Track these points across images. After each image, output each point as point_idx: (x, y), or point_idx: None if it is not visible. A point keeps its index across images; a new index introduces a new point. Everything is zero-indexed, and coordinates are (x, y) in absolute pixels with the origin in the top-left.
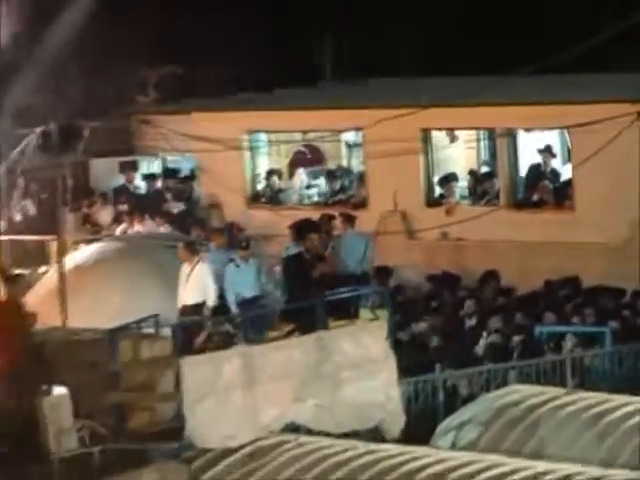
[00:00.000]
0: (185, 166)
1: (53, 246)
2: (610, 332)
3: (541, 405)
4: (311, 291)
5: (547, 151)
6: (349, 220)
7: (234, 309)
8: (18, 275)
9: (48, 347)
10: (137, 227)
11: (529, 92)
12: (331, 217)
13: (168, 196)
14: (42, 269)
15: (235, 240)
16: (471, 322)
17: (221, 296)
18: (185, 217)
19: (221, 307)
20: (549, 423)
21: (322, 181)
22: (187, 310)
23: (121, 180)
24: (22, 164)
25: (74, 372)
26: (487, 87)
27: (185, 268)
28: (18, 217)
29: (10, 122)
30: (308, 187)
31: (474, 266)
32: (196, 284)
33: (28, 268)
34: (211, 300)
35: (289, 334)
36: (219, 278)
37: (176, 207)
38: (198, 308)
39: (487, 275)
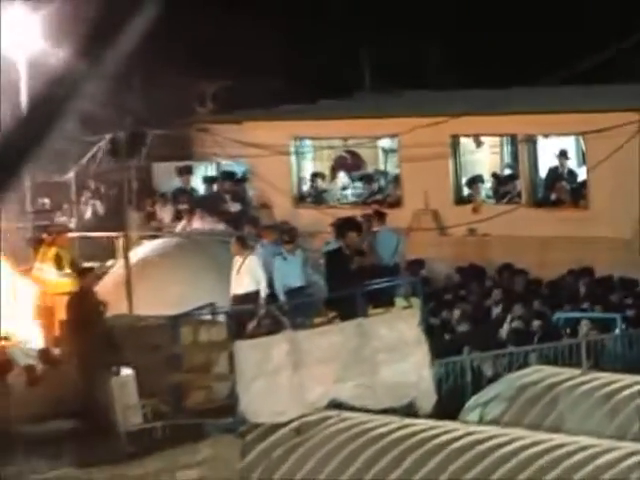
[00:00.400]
0: (238, 170)
1: (120, 242)
2: (621, 318)
3: (559, 384)
4: (350, 282)
5: (563, 155)
6: (381, 217)
7: (282, 298)
8: (90, 268)
9: (116, 332)
10: (195, 224)
11: (547, 102)
12: (370, 216)
13: (227, 197)
14: (110, 262)
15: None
16: (496, 309)
17: (270, 286)
18: (239, 216)
19: (270, 296)
20: (566, 400)
21: (361, 183)
22: (239, 299)
23: (178, 182)
24: (93, 168)
25: (139, 354)
26: (509, 98)
27: (236, 261)
28: (88, 215)
29: (82, 130)
30: (347, 188)
31: (498, 259)
32: (247, 275)
33: (97, 262)
34: (262, 289)
35: (332, 320)
36: (268, 270)
37: (234, 207)
38: (249, 297)
39: (503, 267)
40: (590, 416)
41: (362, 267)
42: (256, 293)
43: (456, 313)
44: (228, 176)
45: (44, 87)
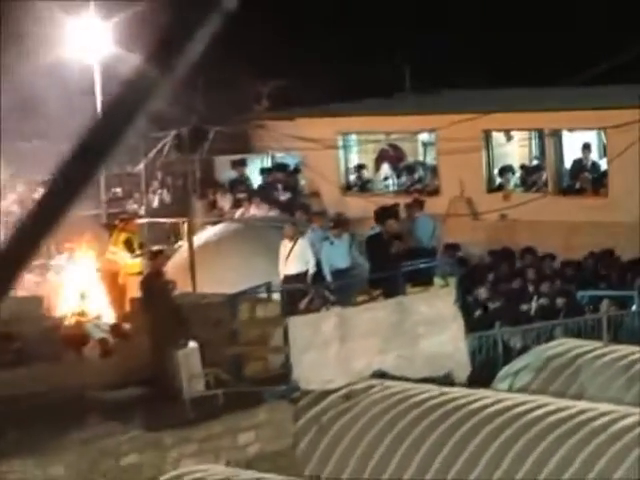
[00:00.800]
0: (290, 162)
1: (184, 227)
2: (638, 296)
3: (582, 355)
4: (389, 264)
5: (587, 148)
6: (420, 205)
7: (329, 278)
8: (160, 250)
9: (183, 309)
10: (252, 211)
11: (572, 100)
12: (411, 204)
13: (279, 186)
14: (176, 246)
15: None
16: (525, 287)
17: (318, 267)
18: (290, 203)
19: (318, 276)
20: (588, 370)
21: (402, 173)
22: (290, 279)
23: (234, 174)
24: (160, 161)
25: (202, 329)
26: (537, 96)
27: (286, 244)
28: (156, 203)
29: (150, 127)
30: (390, 178)
31: (527, 242)
32: (297, 257)
33: (164, 245)
34: (310, 270)
35: (375, 298)
36: (317, 253)
37: (284, 196)
38: (299, 277)
39: (526, 250)
40: (610, 385)
41: (402, 250)
42: (305, 274)
43: (488, 291)
44: (280, 168)
45: (119, 90)
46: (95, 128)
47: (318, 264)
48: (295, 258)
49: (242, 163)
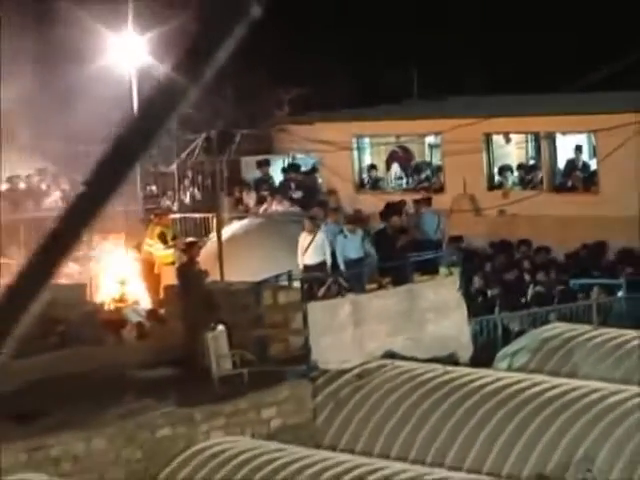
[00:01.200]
0: (308, 162)
1: (213, 221)
2: (625, 283)
3: (574, 338)
4: (394, 255)
5: (579, 149)
6: (427, 201)
7: (342, 268)
8: (194, 242)
9: (213, 295)
10: (274, 207)
11: (565, 105)
12: (419, 201)
13: (292, 185)
14: (205, 239)
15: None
16: (522, 276)
17: (333, 258)
18: (310, 200)
19: (334, 266)
20: (580, 351)
21: (411, 172)
22: (309, 268)
23: (259, 173)
24: (191, 161)
25: (230, 313)
26: (533, 102)
27: (305, 236)
28: (187, 200)
29: (182, 130)
30: (400, 177)
31: (524, 235)
32: (316, 249)
33: (195, 238)
34: (329, 260)
35: (385, 286)
36: (331, 245)
37: (295, 194)
38: (317, 266)
39: (522, 242)
40: (600, 364)
41: (408, 242)
42: (323, 263)
43: (488, 280)
44: (292, 168)
45: (151, 96)
46: (129, 129)
47: (333, 255)
48: (314, 250)
49: (266, 163)
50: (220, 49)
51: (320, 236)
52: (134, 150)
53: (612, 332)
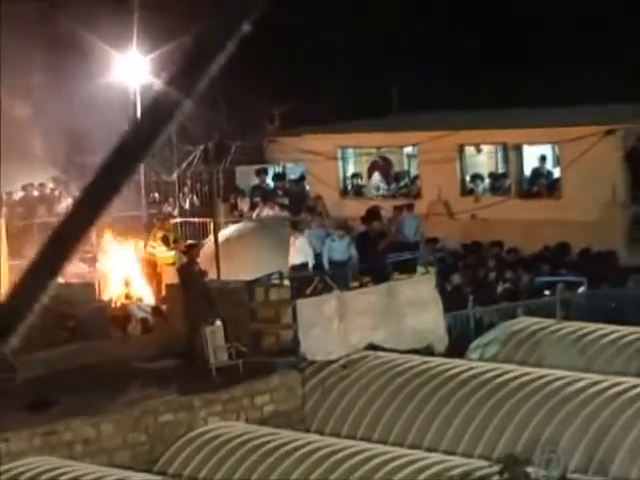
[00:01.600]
0: (298, 171)
1: (210, 225)
2: (587, 280)
3: (540, 330)
4: (376, 256)
5: (543, 159)
6: (409, 207)
7: (327, 268)
8: (195, 244)
9: (211, 293)
10: (266, 212)
11: (531, 119)
12: (401, 207)
13: (279, 192)
14: (203, 241)
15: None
16: (492, 274)
17: (318, 259)
18: (298, 206)
19: (320, 266)
20: (545, 343)
21: (390, 180)
22: (294, 268)
23: (255, 181)
24: (190, 170)
25: (226, 309)
26: (501, 116)
27: (292, 239)
28: (187, 206)
29: (182, 142)
30: (380, 184)
31: (494, 237)
32: (298, 250)
33: (194, 241)
34: (310, 261)
35: (366, 285)
36: (316, 248)
37: (282, 200)
38: (300, 267)
39: (493, 244)
40: (564, 355)
41: (388, 244)
42: (306, 264)
43: (461, 277)
44: (278, 177)
45: (149, 106)
46: (128, 137)
47: (317, 257)
48: (296, 251)
49: (265, 172)
50: (212, 65)
51: (300, 239)
52: (132, 156)
53: (574, 325)
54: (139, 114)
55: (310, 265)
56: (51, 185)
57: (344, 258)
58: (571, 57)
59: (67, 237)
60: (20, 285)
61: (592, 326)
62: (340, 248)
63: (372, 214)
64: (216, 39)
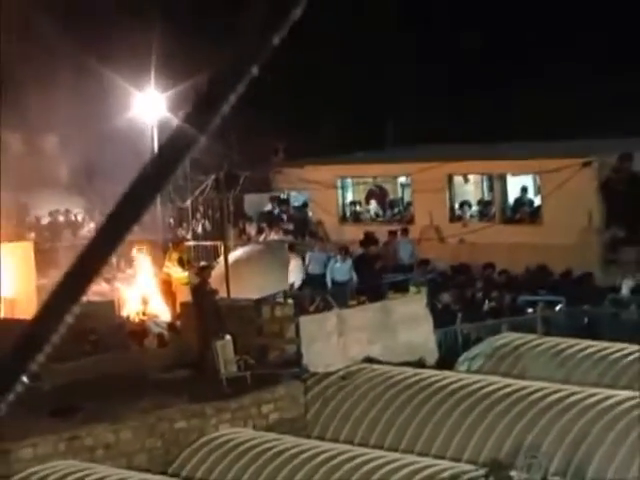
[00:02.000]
0: (301, 199)
1: (221, 248)
2: (565, 299)
3: (522, 345)
4: (372, 277)
5: (524, 190)
6: (405, 232)
7: (329, 286)
8: (207, 266)
9: (221, 310)
10: (272, 236)
11: (513, 152)
12: (396, 232)
13: (284, 217)
14: (214, 263)
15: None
16: (479, 294)
17: (323, 279)
18: (301, 230)
19: (324, 286)
20: (527, 356)
21: (386, 207)
22: (291, 288)
23: (269, 206)
24: (202, 198)
25: (235, 325)
26: (487, 149)
27: (291, 262)
28: (199, 230)
29: (195, 172)
30: (377, 211)
31: (481, 260)
32: (290, 271)
33: (206, 262)
34: (297, 282)
35: (362, 303)
36: (318, 269)
37: (287, 225)
38: (290, 287)
39: (486, 266)
40: (544, 367)
41: (383, 266)
42: (292, 285)
43: (451, 296)
44: (281, 203)
45: (167, 140)
46: (148, 168)
47: (318, 277)
48: (291, 273)
49: (278, 198)
50: (223, 104)
51: (293, 262)
52: (152, 186)
53: (554, 340)
54: (158, 148)
55: (296, 286)
56: (76, 211)
57: (345, 279)
58: (553, 93)
59: (90, 261)
60: (46, 307)
61: (570, 341)
62: (342, 270)
63: (369, 239)
64: (228, 81)
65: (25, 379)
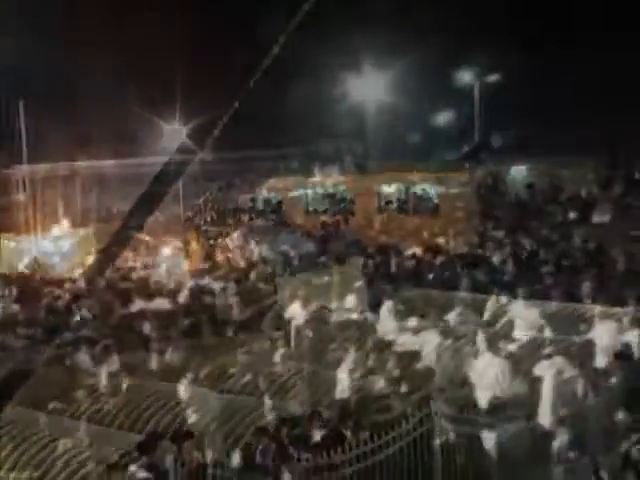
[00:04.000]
0: (277, 197)
1: (225, 230)
2: None
3: None
4: (326, 251)
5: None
6: (347, 221)
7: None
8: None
9: None
10: (258, 223)
11: (423, 167)
12: (339, 221)
13: (267, 210)
14: (220, 240)
15: None
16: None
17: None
18: (279, 219)
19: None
20: None
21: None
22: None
23: (250, 204)
24: (209, 199)
25: None
26: (404, 166)
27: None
28: (208, 219)
29: (204, 181)
30: (328, 207)
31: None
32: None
33: (214, 240)
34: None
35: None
36: (288, 245)
37: (269, 215)
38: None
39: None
40: None
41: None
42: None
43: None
44: (266, 202)
45: (175, 153)
46: (161, 174)
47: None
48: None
49: (255, 199)
50: (218, 126)
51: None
52: (163, 186)
53: None
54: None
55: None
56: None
57: (309, 251)
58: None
59: (119, 242)
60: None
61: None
62: (307, 245)
63: (325, 226)
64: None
65: None
